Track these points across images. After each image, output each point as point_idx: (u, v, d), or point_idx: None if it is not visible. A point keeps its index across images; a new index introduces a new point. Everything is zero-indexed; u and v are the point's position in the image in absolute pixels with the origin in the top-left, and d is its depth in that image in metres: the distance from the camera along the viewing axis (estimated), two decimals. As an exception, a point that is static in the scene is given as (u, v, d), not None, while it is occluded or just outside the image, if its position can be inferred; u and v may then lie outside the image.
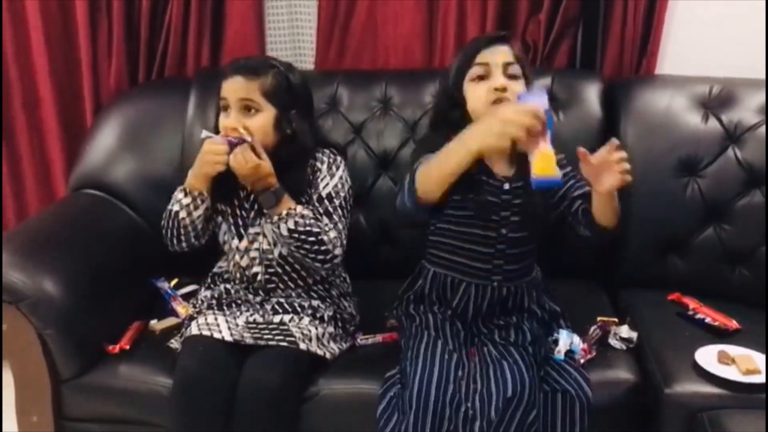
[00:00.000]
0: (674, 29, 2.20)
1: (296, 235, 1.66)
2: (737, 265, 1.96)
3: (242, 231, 1.78)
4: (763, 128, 1.95)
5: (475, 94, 1.64)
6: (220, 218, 1.81)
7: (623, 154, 1.49)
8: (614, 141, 1.50)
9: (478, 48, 1.63)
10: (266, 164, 1.64)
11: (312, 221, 1.67)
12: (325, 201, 1.73)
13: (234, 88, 1.67)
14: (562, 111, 2.08)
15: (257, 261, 1.77)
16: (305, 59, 2.38)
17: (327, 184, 1.74)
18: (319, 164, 1.76)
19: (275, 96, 1.68)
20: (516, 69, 1.63)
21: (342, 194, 1.75)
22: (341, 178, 1.76)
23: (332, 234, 1.70)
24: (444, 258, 1.75)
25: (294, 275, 1.80)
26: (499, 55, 1.62)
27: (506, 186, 1.69)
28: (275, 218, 1.67)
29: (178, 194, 1.73)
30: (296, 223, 1.65)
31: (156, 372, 1.71)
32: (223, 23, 2.30)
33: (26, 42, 2.29)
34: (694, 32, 2.20)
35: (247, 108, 1.68)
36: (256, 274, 1.78)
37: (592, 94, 2.10)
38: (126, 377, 1.72)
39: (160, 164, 2.11)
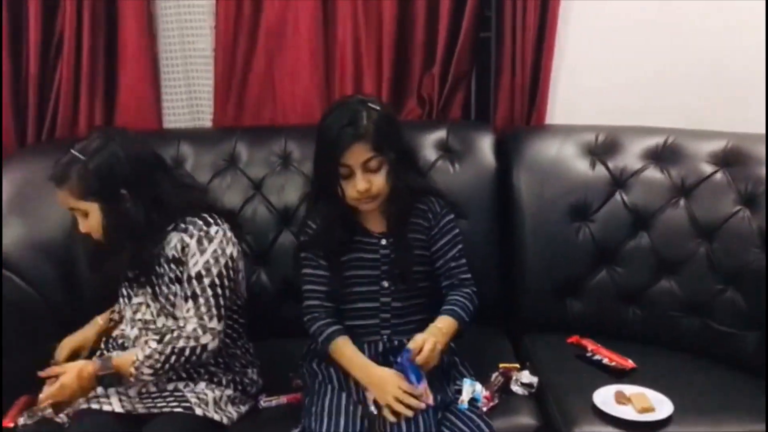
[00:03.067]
0: (561, 79, 2.29)
1: (162, 370, 1.61)
2: (630, 305, 2.03)
3: (128, 301, 1.74)
4: (647, 173, 2.04)
5: (345, 192, 1.69)
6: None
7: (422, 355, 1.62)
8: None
9: (340, 149, 1.64)
10: (66, 376, 1.59)
11: (162, 346, 1.60)
12: (194, 281, 1.64)
13: (59, 200, 1.67)
14: (457, 162, 2.13)
15: (144, 331, 1.71)
16: (203, 117, 2.36)
17: (196, 263, 1.65)
18: (187, 239, 1.66)
19: (88, 193, 1.62)
20: (374, 163, 1.67)
21: (214, 270, 1.65)
22: (213, 252, 1.65)
23: (190, 327, 1.62)
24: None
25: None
26: (358, 155, 1.65)
27: (383, 241, 1.76)
28: (131, 379, 1.61)
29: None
30: (152, 366, 1.59)
31: (45, 450, 1.62)
32: (116, 82, 2.27)
33: None
34: (580, 81, 2.30)
35: (77, 212, 1.66)
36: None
37: (485, 144, 2.16)
38: (10, 458, 1.62)
39: (50, 230, 2.02)
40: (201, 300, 1.64)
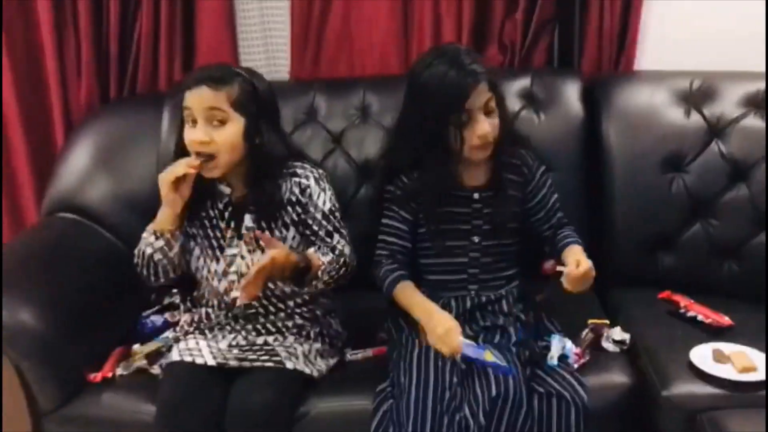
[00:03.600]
0: (652, 24, 2.18)
1: (331, 279, 1.65)
2: (726, 260, 1.95)
3: (218, 253, 1.71)
4: (746, 121, 1.94)
5: (466, 139, 1.63)
6: (192, 243, 1.73)
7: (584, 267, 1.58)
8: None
9: (462, 94, 1.59)
10: (276, 253, 1.53)
11: (335, 257, 1.64)
12: (330, 217, 1.70)
13: (200, 98, 1.59)
14: (542, 111, 2.06)
15: (236, 285, 1.69)
16: (280, 68, 2.34)
17: (324, 201, 1.70)
18: (305, 181, 1.69)
19: (243, 105, 1.60)
20: (492, 102, 1.64)
21: (337, 205, 1.73)
22: (330, 189, 1.73)
23: (347, 250, 1.68)
24: (423, 279, 1.77)
25: (275, 300, 1.72)
26: (480, 97, 1.61)
27: (476, 195, 1.73)
28: (313, 283, 1.62)
29: (149, 237, 1.66)
30: (329, 273, 1.63)
31: (140, 400, 1.66)
32: (194, 36, 2.25)
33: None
34: (672, 26, 2.19)
35: (214, 119, 1.60)
36: (235, 299, 1.68)
37: (572, 92, 2.08)
38: (110, 407, 1.67)
39: (136, 183, 2.05)
40: (343, 231, 1.71)
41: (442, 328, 1.58)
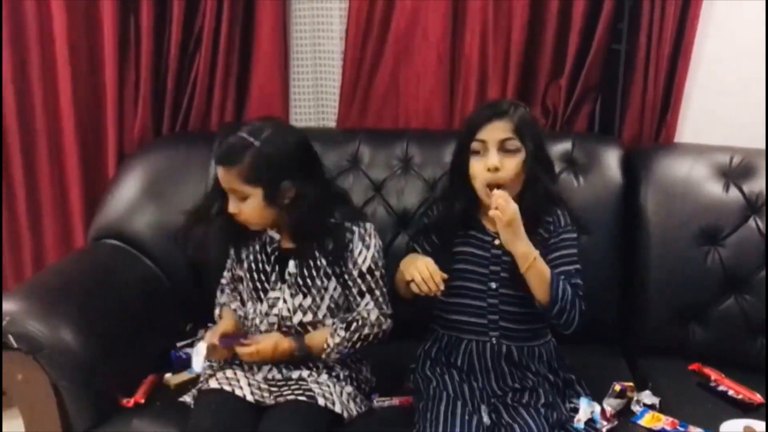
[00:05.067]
0: (694, 97, 2.21)
1: (346, 355, 1.72)
2: (759, 336, 1.94)
3: (261, 295, 1.76)
4: (784, 200, 1.95)
5: (474, 170, 1.71)
6: (240, 285, 1.81)
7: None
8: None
9: (478, 124, 1.68)
10: (264, 345, 1.67)
11: (350, 334, 1.70)
12: (367, 276, 1.73)
13: (221, 177, 1.67)
14: (582, 175, 2.09)
15: (275, 327, 1.74)
16: (328, 117, 2.41)
17: (365, 258, 1.73)
18: (349, 234, 1.73)
19: (257, 177, 1.63)
20: (512, 144, 1.68)
21: (380, 263, 1.76)
22: (375, 246, 1.75)
23: (373, 316, 1.72)
24: (444, 318, 1.81)
25: None
26: (496, 132, 1.67)
27: (496, 241, 1.74)
28: (323, 356, 1.70)
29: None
30: (339, 352, 1.70)
31: (169, 427, 1.69)
32: (248, 80, 2.35)
33: (54, 91, 2.33)
34: (714, 100, 2.21)
35: (236, 194, 1.66)
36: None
37: (612, 159, 2.11)
38: (140, 432, 1.69)
39: (182, 216, 2.10)
40: (377, 292, 1.74)
41: (420, 260, 1.64)
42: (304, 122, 2.43)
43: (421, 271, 1.61)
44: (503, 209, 1.60)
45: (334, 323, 1.73)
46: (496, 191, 1.62)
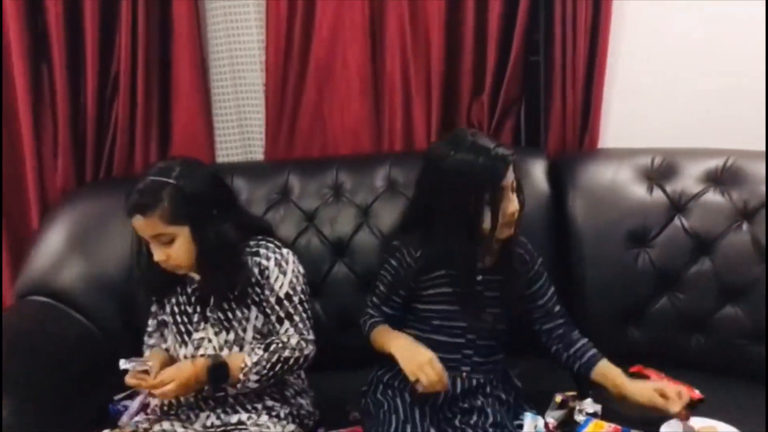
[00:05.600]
0: (614, 102, 2.26)
1: (266, 378, 1.65)
2: (694, 333, 1.98)
3: (186, 338, 1.73)
4: (707, 196, 2.00)
5: (502, 215, 1.66)
6: (165, 329, 1.77)
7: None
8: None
9: (499, 177, 1.63)
10: (176, 378, 1.60)
11: (269, 354, 1.65)
12: (285, 302, 1.70)
13: (140, 227, 1.62)
14: (510, 188, 2.11)
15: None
16: (255, 150, 2.39)
17: (282, 284, 1.70)
18: (264, 261, 1.70)
19: (180, 216, 1.60)
20: (515, 182, 1.68)
21: (299, 288, 1.72)
22: (293, 272, 1.72)
23: (293, 341, 1.68)
24: None
25: None
26: (510, 177, 1.66)
27: (479, 277, 1.74)
28: (238, 386, 1.64)
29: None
30: (258, 372, 1.64)
31: (109, 487, 1.64)
32: (170, 120, 2.31)
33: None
34: (633, 104, 2.27)
35: (161, 240, 1.62)
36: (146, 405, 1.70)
37: (538, 170, 2.14)
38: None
39: (110, 266, 2.06)
40: (296, 318, 1.70)
41: (423, 357, 1.59)
42: (231, 157, 2.39)
43: (429, 375, 1.57)
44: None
45: (251, 344, 1.70)
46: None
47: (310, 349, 1.71)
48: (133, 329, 2.00)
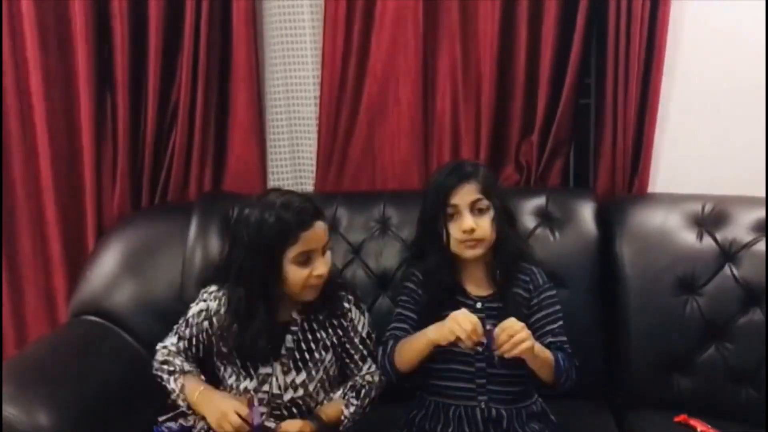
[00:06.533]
0: (665, 148, 2.25)
1: (360, 415, 1.74)
2: (742, 385, 1.93)
3: (251, 371, 1.73)
4: (758, 246, 1.97)
5: (451, 233, 1.75)
6: (224, 360, 1.77)
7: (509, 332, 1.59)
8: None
9: (448, 189, 1.73)
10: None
11: (361, 401, 1.74)
12: (367, 341, 1.80)
13: (321, 233, 1.67)
14: (557, 229, 2.10)
15: (264, 402, 1.71)
16: (305, 182, 2.44)
17: (364, 324, 1.79)
18: (346, 305, 1.77)
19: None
20: (482, 204, 1.74)
21: (372, 328, 1.82)
22: (367, 313, 1.83)
23: (376, 378, 1.78)
24: (431, 384, 1.79)
25: (298, 416, 1.74)
26: (466, 195, 1.73)
27: (478, 305, 1.76)
28: (341, 429, 1.72)
29: (174, 386, 1.74)
30: (353, 420, 1.73)
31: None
32: (225, 149, 2.37)
33: (35, 167, 2.35)
34: (685, 150, 2.26)
35: (326, 248, 1.70)
36: (261, 414, 1.69)
37: (586, 212, 2.13)
38: None
39: (161, 290, 2.12)
40: (375, 354, 1.79)
41: (451, 317, 1.60)
42: (283, 187, 2.44)
43: (462, 324, 1.58)
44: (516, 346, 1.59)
45: (345, 394, 1.75)
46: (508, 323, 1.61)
47: (386, 381, 1.79)
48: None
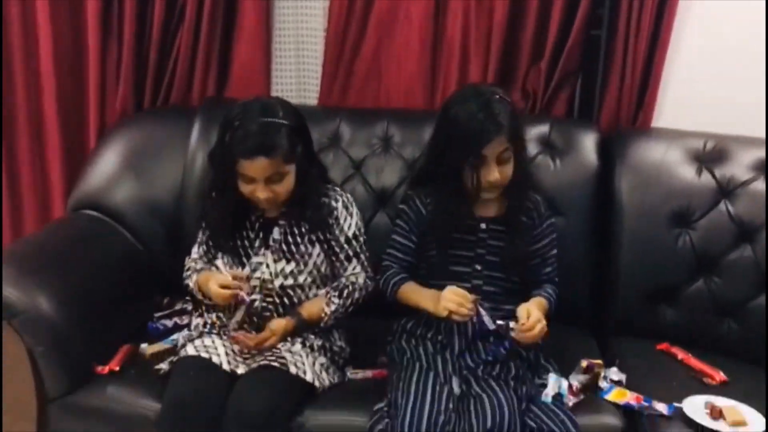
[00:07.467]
0: (671, 84, 2.25)
1: (340, 316, 1.81)
2: (726, 318, 1.98)
3: (244, 260, 1.80)
4: (755, 185, 1.99)
5: (477, 180, 1.72)
6: (218, 252, 1.83)
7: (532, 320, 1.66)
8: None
9: (479, 142, 1.68)
10: (276, 329, 1.73)
11: (343, 300, 1.79)
12: (353, 242, 1.82)
13: (259, 168, 1.66)
14: (558, 158, 2.12)
15: (257, 290, 1.78)
16: (309, 95, 2.42)
17: (350, 225, 1.81)
18: (333, 203, 1.80)
19: (292, 155, 1.70)
20: (507, 154, 1.72)
21: (362, 230, 1.85)
22: (357, 214, 1.85)
23: (361, 280, 1.82)
24: None
25: (289, 307, 1.81)
26: (496, 148, 1.70)
27: (482, 225, 1.80)
28: (321, 324, 1.79)
29: (191, 284, 1.82)
30: (335, 317, 1.79)
31: (143, 395, 1.71)
32: (230, 55, 2.35)
33: (36, 63, 2.33)
34: (691, 88, 2.25)
35: (274, 178, 1.69)
36: (253, 301, 1.76)
37: (588, 143, 2.14)
38: (113, 399, 1.71)
39: (160, 190, 2.13)
40: (362, 257, 1.84)
41: (442, 293, 1.66)
42: (286, 98, 2.42)
43: (452, 300, 1.64)
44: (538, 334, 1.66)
45: (327, 292, 1.80)
46: (533, 318, 1.66)
47: (372, 286, 1.84)
48: (176, 252, 2.06)
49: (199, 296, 1.81)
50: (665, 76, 2.22)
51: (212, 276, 1.73)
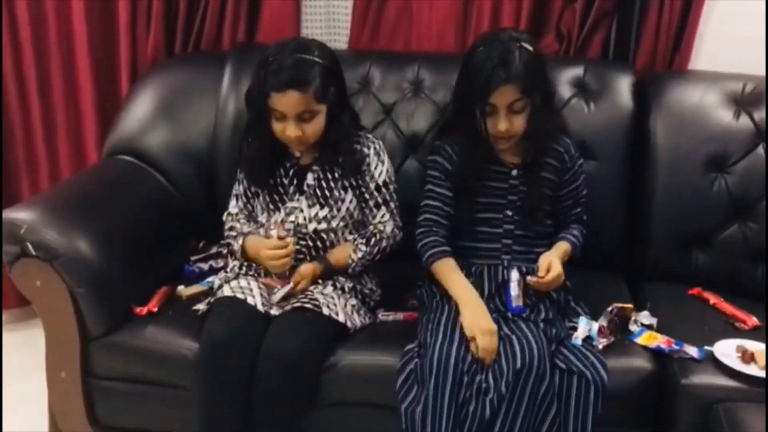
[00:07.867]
0: (710, 26, 2.19)
1: (368, 265, 1.83)
2: (760, 264, 1.96)
3: (279, 205, 1.83)
4: (795, 128, 1.95)
5: (487, 128, 1.71)
6: (255, 201, 1.86)
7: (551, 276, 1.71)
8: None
9: (487, 89, 1.66)
10: (305, 273, 1.77)
11: (370, 248, 1.81)
12: (383, 189, 1.83)
13: (290, 103, 1.67)
14: (592, 101, 2.09)
15: (291, 233, 1.79)
16: (339, 39, 2.40)
17: (381, 172, 1.83)
18: (366, 149, 1.81)
19: (325, 94, 1.71)
20: (519, 105, 1.69)
21: (392, 177, 1.86)
22: (388, 162, 1.86)
23: (389, 229, 1.84)
24: (457, 245, 1.82)
25: (322, 250, 1.83)
26: (504, 96, 1.67)
27: (513, 172, 1.79)
28: (348, 271, 1.81)
29: (237, 247, 1.83)
30: (362, 264, 1.81)
31: (181, 335, 1.75)
32: (260, 1, 2.33)
33: (67, 12, 2.34)
34: (729, 29, 2.19)
35: (304, 116, 1.70)
36: (297, 283, 1.78)
37: (623, 85, 2.10)
38: (152, 339, 1.76)
39: (193, 135, 2.15)
40: (392, 205, 1.86)
41: (487, 325, 1.62)
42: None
43: (486, 344, 1.59)
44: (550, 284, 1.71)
45: (355, 239, 1.82)
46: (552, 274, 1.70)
47: (400, 236, 1.86)
48: (211, 196, 2.11)
49: (242, 261, 1.83)
50: (704, 15, 2.17)
51: (260, 244, 1.76)
